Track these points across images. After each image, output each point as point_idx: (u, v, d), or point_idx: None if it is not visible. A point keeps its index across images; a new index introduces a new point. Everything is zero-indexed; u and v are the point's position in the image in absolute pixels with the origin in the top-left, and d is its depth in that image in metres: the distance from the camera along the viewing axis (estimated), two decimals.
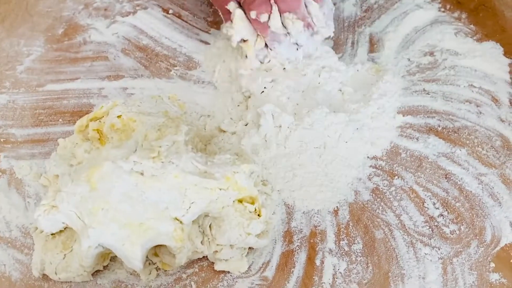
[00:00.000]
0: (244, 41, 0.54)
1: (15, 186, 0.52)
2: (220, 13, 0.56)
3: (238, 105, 0.56)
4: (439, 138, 0.55)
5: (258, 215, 0.46)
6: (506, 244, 0.47)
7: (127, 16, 0.68)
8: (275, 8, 0.51)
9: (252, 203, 0.46)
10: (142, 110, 0.46)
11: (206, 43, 0.65)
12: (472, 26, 0.65)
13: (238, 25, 0.52)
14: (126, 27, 0.67)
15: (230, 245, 0.45)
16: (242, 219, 0.45)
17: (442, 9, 0.68)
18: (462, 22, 0.66)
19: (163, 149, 0.43)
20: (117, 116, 0.45)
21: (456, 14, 0.67)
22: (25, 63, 0.63)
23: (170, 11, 0.68)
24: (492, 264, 0.46)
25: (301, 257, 0.47)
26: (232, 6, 0.53)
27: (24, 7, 0.71)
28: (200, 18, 0.68)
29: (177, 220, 0.43)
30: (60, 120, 0.58)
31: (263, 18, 0.52)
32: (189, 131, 0.47)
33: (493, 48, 0.62)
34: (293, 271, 0.47)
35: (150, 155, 0.42)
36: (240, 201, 0.46)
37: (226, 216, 0.45)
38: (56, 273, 0.44)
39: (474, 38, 0.64)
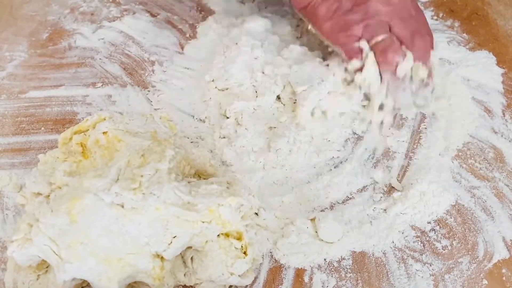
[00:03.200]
0: (351, 81, 0.53)
1: None
2: (337, 48, 0.53)
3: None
4: None
5: (244, 252, 0.43)
6: (499, 260, 0.46)
7: (114, 21, 0.66)
8: (409, 55, 0.51)
9: (239, 238, 0.43)
10: (129, 128, 0.44)
11: None
12: (465, 34, 0.64)
13: (370, 67, 0.51)
14: (113, 32, 0.65)
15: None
16: (226, 257, 0.42)
17: (435, 17, 0.67)
18: (455, 31, 0.65)
19: (145, 179, 0.41)
20: (103, 132, 0.43)
21: (449, 23, 0.66)
22: (7, 69, 0.62)
23: (159, 17, 0.67)
24: (485, 281, 0.45)
25: (289, 274, 0.46)
26: (365, 45, 0.51)
27: (8, 10, 0.69)
28: (189, 24, 0.67)
29: (158, 256, 0.41)
30: (42, 128, 0.56)
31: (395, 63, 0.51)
32: (175, 156, 0.44)
33: (486, 58, 0.62)
34: None
35: (131, 186, 0.40)
36: (227, 235, 0.43)
37: (209, 251, 0.42)
38: None
39: (467, 47, 0.63)
